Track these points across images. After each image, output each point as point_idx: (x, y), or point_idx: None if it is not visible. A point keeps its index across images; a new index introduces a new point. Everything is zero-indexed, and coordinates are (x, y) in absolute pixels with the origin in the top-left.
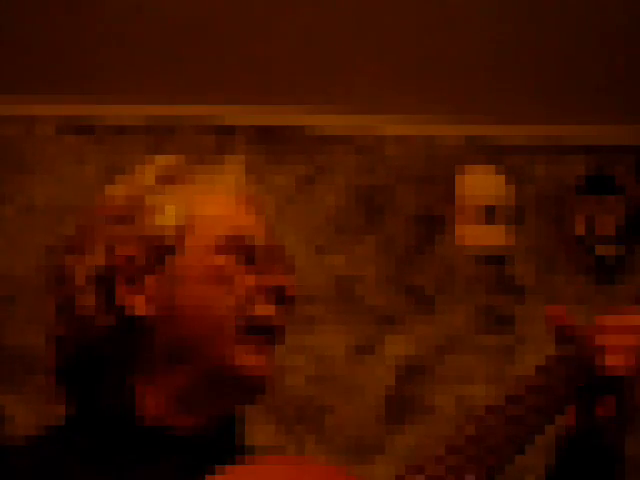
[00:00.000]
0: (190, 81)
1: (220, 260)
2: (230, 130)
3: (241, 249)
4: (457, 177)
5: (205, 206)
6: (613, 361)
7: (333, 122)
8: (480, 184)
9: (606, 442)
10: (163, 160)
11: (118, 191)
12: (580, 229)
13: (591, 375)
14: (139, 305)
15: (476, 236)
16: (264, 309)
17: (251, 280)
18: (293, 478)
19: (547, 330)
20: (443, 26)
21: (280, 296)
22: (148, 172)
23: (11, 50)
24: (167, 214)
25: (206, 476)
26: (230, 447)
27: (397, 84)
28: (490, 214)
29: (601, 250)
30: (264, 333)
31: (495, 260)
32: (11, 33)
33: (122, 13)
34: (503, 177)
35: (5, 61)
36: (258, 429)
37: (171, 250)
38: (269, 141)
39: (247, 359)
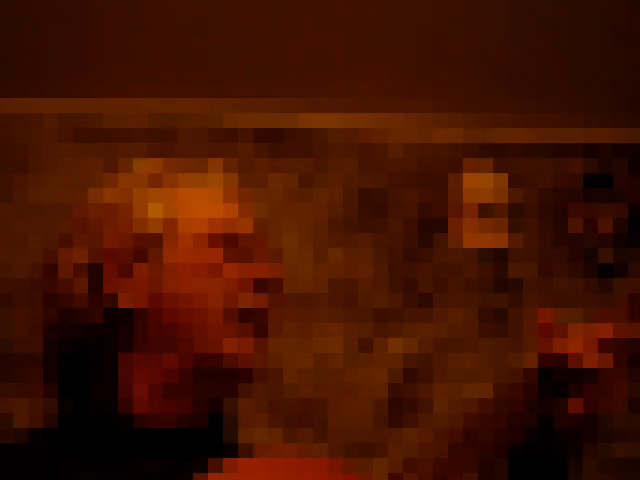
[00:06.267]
0: (190, 79)
1: (206, 251)
2: (230, 129)
3: (226, 240)
4: (457, 177)
5: (191, 200)
6: (574, 350)
7: (333, 122)
8: (480, 184)
9: (561, 449)
10: (149, 162)
11: (106, 188)
12: (579, 229)
13: (554, 369)
14: (127, 295)
15: (476, 237)
16: (250, 298)
17: (237, 270)
18: (290, 476)
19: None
20: (443, 26)
21: (266, 285)
22: (135, 170)
23: (11, 49)
24: (154, 207)
25: (208, 475)
26: (219, 445)
27: (397, 84)
28: (490, 215)
29: (600, 250)
30: (251, 321)
31: (494, 260)
32: (10, 31)
33: (124, 11)
34: (502, 177)
35: (5, 60)
36: (258, 429)
37: (158, 242)
38: (269, 141)
39: (234, 347)
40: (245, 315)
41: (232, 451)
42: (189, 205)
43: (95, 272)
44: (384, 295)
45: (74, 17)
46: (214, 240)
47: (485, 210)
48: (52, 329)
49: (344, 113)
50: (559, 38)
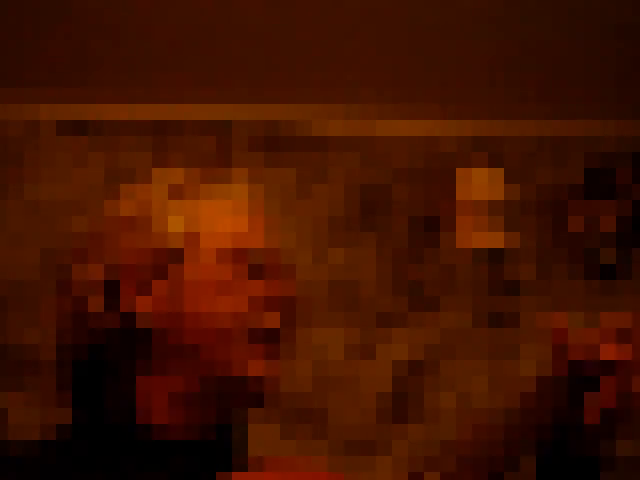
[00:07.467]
0: (191, 81)
1: (223, 268)
2: (230, 130)
3: (243, 258)
4: (457, 177)
5: (210, 217)
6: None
7: (333, 122)
8: (480, 184)
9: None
10: (170, 174)
11: (126, 202)
12: (580, 229)
13: (579, 367)
14: (144, 310)
15: (476, 237)
16: (265, 316)
17: (253, 288)
18: None
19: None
20: (443, 25)
21: (280, 303)
22: (156, 184)
23: (13, 48)
24: (173, 224)
25: None
26: (229, 454)
27: (397, 84)
28: (490, 214)
29: (601, 250)
30: (265, 339)
31: (495, 260)
32: (12, 31)
33: (124, 14)
34: (502, 177)
35: (6, 60)
36: (259, 429)
37: (177, 258)
38: (270, 141)
39: (249, 365)
40: (271, 336)
41: (241, 460)
42: (211, 218)
43: (113, 287)
44: (386, 295)
45: (71, 16)
46: (232, 258)
47: (485, 210)
48: (67, 343)
49: (344, 114)
50: (559, 29)
